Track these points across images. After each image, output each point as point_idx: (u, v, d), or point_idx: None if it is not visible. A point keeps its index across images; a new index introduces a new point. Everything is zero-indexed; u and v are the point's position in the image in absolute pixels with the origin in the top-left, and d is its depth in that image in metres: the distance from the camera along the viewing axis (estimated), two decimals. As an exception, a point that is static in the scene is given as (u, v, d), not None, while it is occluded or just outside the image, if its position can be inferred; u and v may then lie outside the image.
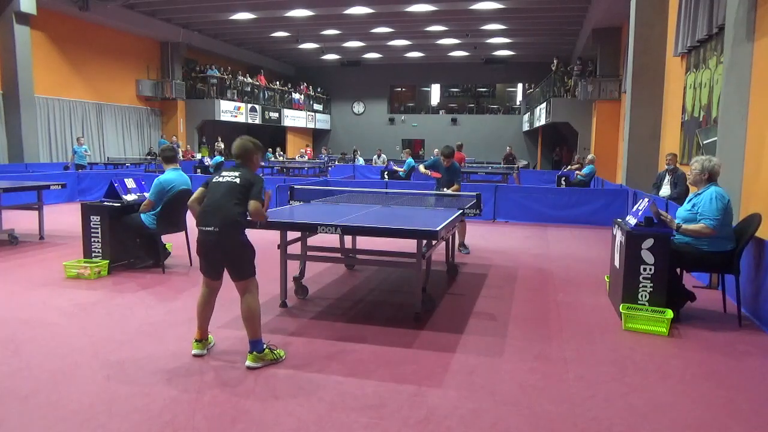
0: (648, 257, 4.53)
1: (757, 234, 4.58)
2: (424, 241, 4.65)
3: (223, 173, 3.71)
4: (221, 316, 4.57)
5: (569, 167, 17.36)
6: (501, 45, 24.86)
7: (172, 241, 6.69)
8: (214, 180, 3.72)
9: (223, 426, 2.85)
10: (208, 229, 3.54)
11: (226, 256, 3.61)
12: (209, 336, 3.86)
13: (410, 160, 16.44)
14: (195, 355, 3.70)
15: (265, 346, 3.62)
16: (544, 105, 21.74)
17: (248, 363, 3.55)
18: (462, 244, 7.59)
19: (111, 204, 6.12)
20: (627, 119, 12.10)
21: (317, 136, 32.26)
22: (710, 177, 4.67)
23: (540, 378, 3.49)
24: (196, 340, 3.76)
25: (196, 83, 23.32)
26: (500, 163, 21.35)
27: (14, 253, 6.99)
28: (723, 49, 7.57)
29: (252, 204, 3.58)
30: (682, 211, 4.77)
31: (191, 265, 6.37)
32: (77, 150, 15.17)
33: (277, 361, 3.63)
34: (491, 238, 8.77)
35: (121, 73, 20.42)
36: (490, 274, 6.37)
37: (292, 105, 28.40)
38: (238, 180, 3.61)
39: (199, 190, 3.76)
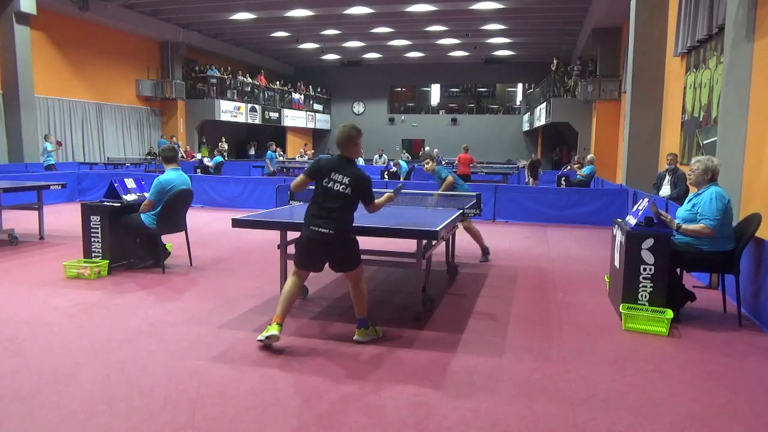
0: (648, 257, 4.53)
1: (757, 234, 4.58)
2: (424, 241, 4.65)
3: (333, 175, 3.88)
4: (221, 316, 4.58)
5: (569, 166, 17.35)
6: (501, 45, 24.86)
7: (172, 241, 6.69)
8: (323, 183, 3.89)
9: (222, 425, 2.85)
10: (323, 231, 3.84)
11: (336, 253, 3.97)
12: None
13: (404, 165, 16.30)
14: (270, 337, 3.79)
15: (369, 324, 4.04)
16: (544, 105, 21.75)
17: (356, 337, 3.98)
18: (486, 251, 7.03)
19: (111, 204, 6.12)
20: (627, 119, 12.10)
21: (317, 136, 32.26)
22: (712, 177, 4.68)
23: (540, 378, 3.49)
24: (279, 324, 3.86)
25: (196, 83, 23.33)
26: (503, 163, 21.38)
27: (14, 253, 6.99)
28: (723, 49, 7.57)
29: (370, 208, 4.04)
30: (682, 211, 4.77)
31: (191, 265, 6.37)
32: (48, 147, 14.50)
33: (377, 336, 4.04)
34: (491, 238, 8.74)
35: (121, 73, 20.43)
36: (490, 274, 6.37)
37: (292, 105, 28.41)
38: (348, 190, 3.85)
39: (302, 178, 4.02)
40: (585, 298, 5.38)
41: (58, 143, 15.60)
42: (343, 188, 3.85)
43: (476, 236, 7.01)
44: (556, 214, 10.53)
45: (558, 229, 9.84)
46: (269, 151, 17.71)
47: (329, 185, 3.88)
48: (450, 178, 6.94)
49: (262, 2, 18.12)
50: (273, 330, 3.82)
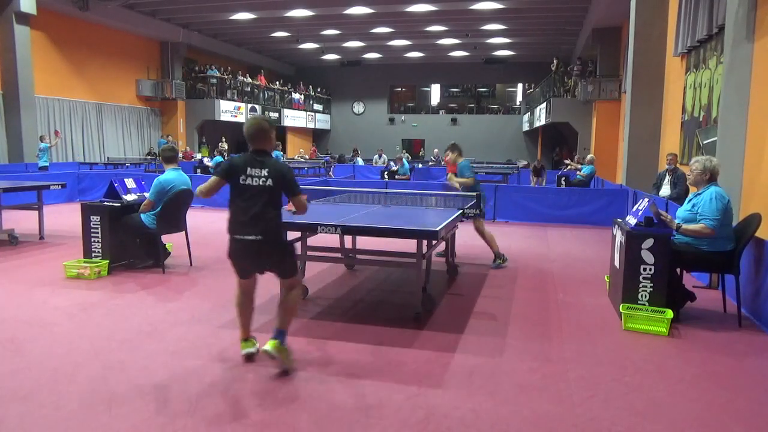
0: (648, 257, 4.53)
1: (757, 234, 4.58)
2: (424, 241, 4.65)
3: (249, 171, 3.45)
4: (221, 316, 4.57)
5: (567, 162, 17.34)
6: (501, 45, 24.85)
7: (172, 241, 6.69)
8: (240, 182, 3.46)
9: (222, 425, 2.85)
10: (250, 238, 3.43)
11: (270, 259, 3.57)
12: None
13: (406, 165, 16.33)
14: (250, 355, 3.66)
15: (285, 343, 3.57)
16: (544, 105, 21.74)
17: (268, 347, 3.45)
18: (498, 255, 6.72)
19: (111, 204, 6.12)
20: (627, 119, 12.10)
21: (317, 136, 32.25)
22: (711, 177, 4.68)
23: (540, 378, 3.49)
24: (246, 339, 3.72)
25: (196, 83, 23.32)
26: (503, 163, 21.37)
27: (14, 253, 6.99)
28: (723, 49, 7.57)
29: (296, 201, 3.56)
30: (682, 211, 4.78)
31: (191, 265, 6.37)
32: (44, 148, 14.34)
33: (287, 366, 3.51)
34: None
35: (121, 73, 20.43)
36: (490, 274, 6.37)
37: (292, 105, 28.40)
38: (270, 182, 3.44)
39: (214, 180, 3.54)
40: (585, 298, 5.38)
41: (56, 133, 15.46)
42: (263, 181, 3.43)
43: (489, 240, 6.71)
44: (556, 214, 10.53)
45: (558, 229, 9.84)
46: (275, 151, 17.56)
47: (246, 182, 3.44)
48: (471, 180, 6.62)
49: (262, 2, 18.12)
50: (247, 348, 3.68)
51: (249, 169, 3.44)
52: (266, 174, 3.44)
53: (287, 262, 3.62)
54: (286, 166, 3.61)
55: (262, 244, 3.44)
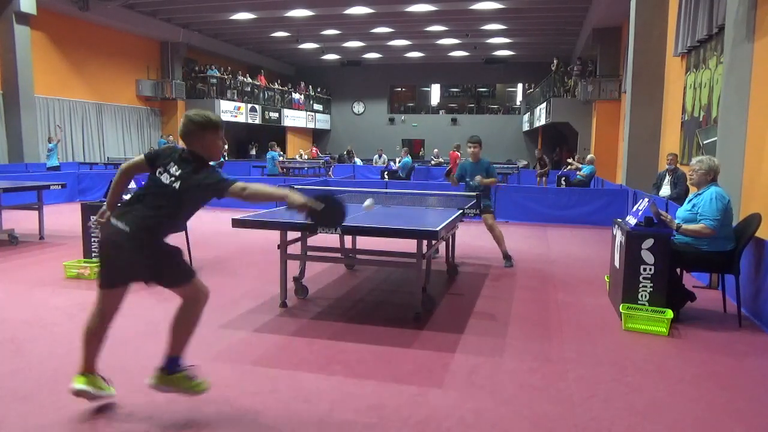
0: (648, 257, 4.53)
1: (757, 234, 4.58)
2: (424, 241, 4.65)
3: (168, 165, 2.93)
4: (221, 316, 4.57)
5: (567, 162, 17.33)
6: (501, 45, 24.85)
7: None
8: (156, 172, 2.96)
9: (221, 425, 2.85)
10: (119, 226, 2.87)
11: (141, 263, 2.98)
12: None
13: (407, 159, 16.41)
14: (79, 393, 2.87)
15: (182, 369, 2.96)
16: (544, 105, 21.74)
17: (152, 381, 2.92)
18: (506, 256, 6.73)
19: (111, 204, 6.10)
20: (627, 119, 12.10)
21: (317, 136, 32.25)
22: (713, 177, 4.69)
23: (540, 378, 3.49)
24: (84, 374, 2.91)
25: (196, 83, 23.32)
26: (503, 163, 21.37)
27: (14, 253, 6.99)
28: (723, 49, 7.57)
29: (237, 193, 2.86)
30: (682, 211, 4.78)
31: (191, 265, 6.36)
32: (53, 147, 14.41)
33: (190, 392, 2.95)
34: (491, 238, 8.75)
35: (121, 73, 20.42)
36: (490, 274, 6.37)
37: (292, 105, 28.40)
38: (178, 184, 2.88)
39: (138, 158, 3.08)
40: (585, 298, 5.38)
41: (57, 127, 15.40)
42: (171, 180, 2.89)
43: (498, 239, 6.72)
44: (556, 214, 10.54)
45: (558, 229, 9.84)
46: (271, 152, 17.52)
47: (159, 174, 2.94)
48: (494, 180, 6.69)
49: (262, 2, 18.12)
50: (78, 384, 2.86)
51: (171, 164, 2.93)
52: (178, 174, 2.88)
53: (171, 266, 3.00)
54: (212, 182, 2.89)
55: (127, 240, 2.85)
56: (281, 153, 25.13)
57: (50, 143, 14.55)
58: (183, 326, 3.01)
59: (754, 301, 4.75)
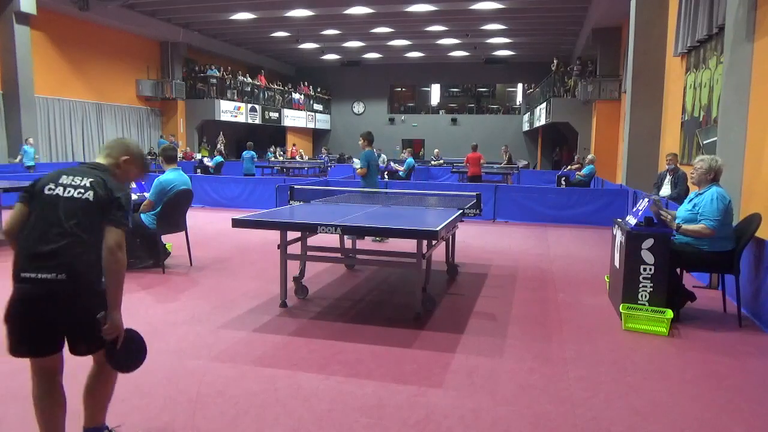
0: (648, 257, 4.53)
1: (757, 234, 4.58)
2: (424, 241, 4.65)
3: (63, 179, 2.36)
4: (221, 316, 4.57)
5: (569, 167, 17.34)
6: (501, 45, 24.85)
7: (172, 241, 6.69)
8: (46, 191, 2.33)
9: (222, 425, 2.85)
10: (44, 276, 2.22)
11: (73, 317, 2.29)
12: None
13: (410, 159, 16.44)
14: None
15: None
16: (544, 105, 21.74)
17: None
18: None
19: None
20: (627, 119, 12.10)
21: (317, 136, 32.27)
22: (714, 177, 4.68)
23: (540, 378, 3.49)
24: None
25: (196, 83, 23.32)
26: (501, 163, 21.29)
27: (14, 253, 6.98)
28: (723, 49, 7.57)
29: (111, 236, 2.28)
30: (683, 210, 4.77)
31: (191, 265, 6.37)
32: (27, 150, 14.35)
33: None
34: (491, 238, 8.77)
35: (121, 73, 20.42)
36: (490, 274, 6.37)
37: (292, 105, 28.40)
38: (91, 195, 2.33)
39: (18, 207, 2.37)
40: (585, 298, 5.38)
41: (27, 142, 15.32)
42: (80, 193, 2.32)
43: None
44: (556, 214, 10.53)
45: (558, 229, 9.84)
46: (248, 151, 16.49)
47: (55, 192, 2.32)
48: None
49: (262, 2, 18.12)
50: None
51: (64, 177, 2.37)
52: (88, 184, 2.35)
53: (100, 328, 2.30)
54: (124, 191, 2.42)
55: (61, 289, 2.23)
56: (281, 152, 25.18)
57: (26, 144, 14.44)
58: (103, 390, 2.53)
59: (754, 301, 4.75)
